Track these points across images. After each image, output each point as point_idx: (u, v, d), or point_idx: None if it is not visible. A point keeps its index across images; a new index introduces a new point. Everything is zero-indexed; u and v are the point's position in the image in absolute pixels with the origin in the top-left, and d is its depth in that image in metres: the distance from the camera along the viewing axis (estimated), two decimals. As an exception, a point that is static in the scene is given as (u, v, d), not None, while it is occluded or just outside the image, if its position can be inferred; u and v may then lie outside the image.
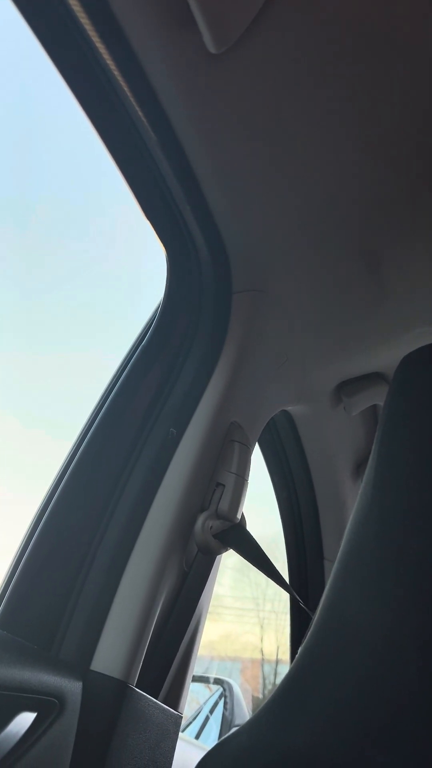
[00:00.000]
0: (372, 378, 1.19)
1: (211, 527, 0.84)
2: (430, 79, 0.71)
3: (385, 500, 0.54)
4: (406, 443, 0.56)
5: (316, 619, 0.53)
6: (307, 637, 0.53)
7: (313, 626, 0.53)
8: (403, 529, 0.51)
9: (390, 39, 0.67)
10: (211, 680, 2.26)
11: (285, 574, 1.42)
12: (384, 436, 0.58)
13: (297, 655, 0.52)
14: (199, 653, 0.87)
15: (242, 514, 0.89)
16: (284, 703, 0.50)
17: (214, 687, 2.25)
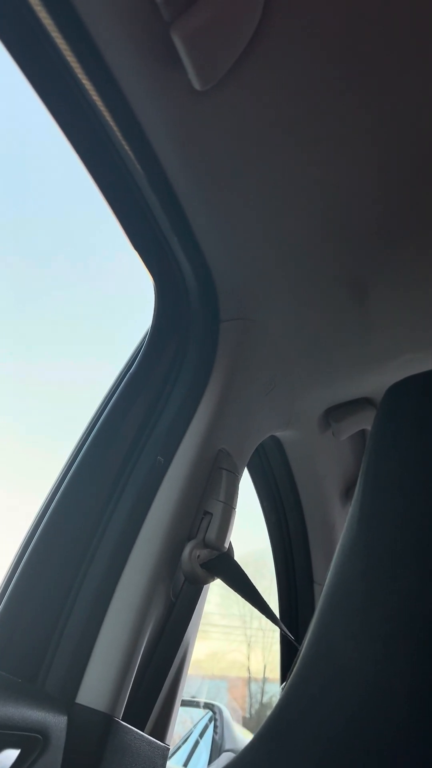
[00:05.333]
0: (360, 403, 1.20)
1: (198, 556, 0.83)
2: (416, 115, 0.72)
3: (371, 534, 0.53)
4: (391, 476, 0.56)
5: (302, 652, 0.53)
6: (293, 671, 0.52)
7: (299, 661, 0.52)
8: (388, 564, 0.51)
9: (374, 75, 0.68)
10: (201, 704, 2.24)
11: (275, 598, 1.41)
12: (369, 468, 0.58)
13: (284, 690, 0.52)
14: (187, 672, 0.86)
15: (230, 543, 0.89)
16: (272, 741, 0.49)
17: (204, 711, 2.23)
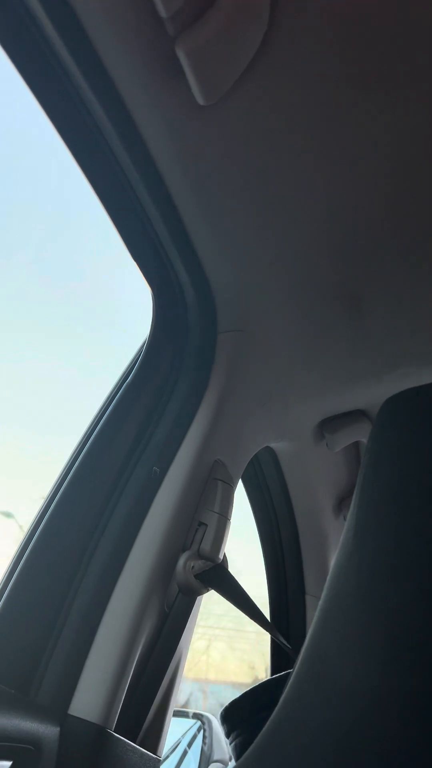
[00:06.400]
0: (354, 415, 1.20)
1: (192, 567, 0.83)
2: (417, 132, 0.72)
3: (367, 550, 0.53)
4: (387, 490, 0.56)
5: (296, 670, 0.52)
6: (287, 688, 0.52)
7: (293, 677, 0.52)
8: (383, 582, 0.50)
9: (378, 93, 0.68)
10: (190, 714, 2.23)
11: (266, 608, 1.41)
12: (365, 482, 0.58)
13: (278, 706, 0.51)
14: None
15: (224, 554, 0.89)
16: (263, 759, 0.49)
17: (193, 721, 2.22)
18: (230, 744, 0.63)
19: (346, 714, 0.46)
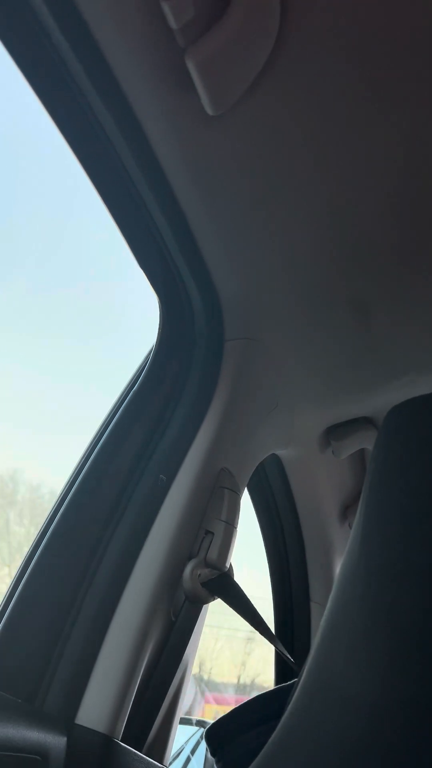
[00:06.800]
0: (361, 422, 1.20)
1: (199, 575, 0.83)
2: (421, 141, 0.72)
3: (372, 558, 0.53)
4: (393, 499, 0.55)
5: (302, 680, 0.52)
6: (293, 698, 0.52)
7: (299, 688, 0.52)
8: (390, 591, 0.50)
9: (388, 102, 0.68)
10: (194, 722, 2.23)
11: (271, 616, 1.41)
12: (371, 491, 0.58)
13: (283, 717, 0.51)
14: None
15: (230, 563, 0.88)
16: None
17: (196, 728, 2.21)
18: (216, 764, 0.61)
19: (351, 723, 0.46)
